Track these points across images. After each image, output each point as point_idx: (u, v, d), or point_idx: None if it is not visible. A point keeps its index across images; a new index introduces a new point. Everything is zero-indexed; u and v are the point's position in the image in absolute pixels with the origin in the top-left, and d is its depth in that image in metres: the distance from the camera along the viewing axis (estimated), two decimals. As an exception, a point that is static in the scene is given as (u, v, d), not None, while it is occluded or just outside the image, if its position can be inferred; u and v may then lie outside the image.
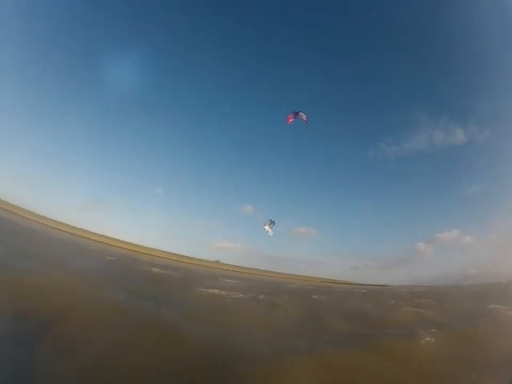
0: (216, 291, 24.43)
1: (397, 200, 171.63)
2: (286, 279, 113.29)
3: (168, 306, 17.35)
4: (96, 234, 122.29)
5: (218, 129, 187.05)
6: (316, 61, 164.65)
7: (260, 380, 8.84)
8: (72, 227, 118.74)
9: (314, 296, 39.14)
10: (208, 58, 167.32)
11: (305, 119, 19.56)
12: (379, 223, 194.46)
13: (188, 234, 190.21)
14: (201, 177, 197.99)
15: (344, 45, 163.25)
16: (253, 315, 19.23)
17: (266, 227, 18.82)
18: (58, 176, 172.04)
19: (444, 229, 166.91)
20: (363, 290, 71.92)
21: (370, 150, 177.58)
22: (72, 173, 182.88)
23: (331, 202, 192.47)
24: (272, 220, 19.10)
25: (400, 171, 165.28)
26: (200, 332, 13.09)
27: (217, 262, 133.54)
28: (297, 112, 19.46)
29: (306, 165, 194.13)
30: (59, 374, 7.00)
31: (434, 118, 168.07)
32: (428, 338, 13.06)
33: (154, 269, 38.52)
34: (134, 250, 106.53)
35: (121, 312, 13.08)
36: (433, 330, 14.82)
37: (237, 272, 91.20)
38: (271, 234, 18.89)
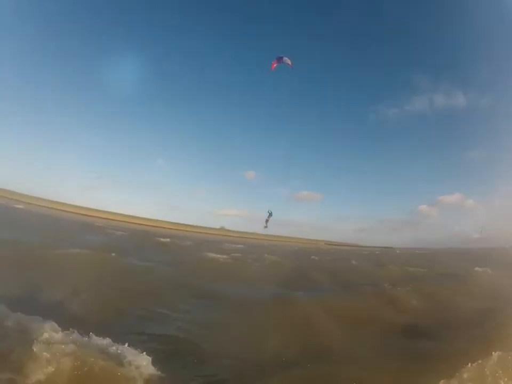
0: (221, 255, 26.36)
1: (399, 162, 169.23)
2: (290, 242, 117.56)
3: (178, 268, 19.27)
4: (101, 211, 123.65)
5: (215, 96, 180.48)
6: (313, 24, 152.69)
7: (263, 315, 10.62)
8: (77, 207, 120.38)
9: (313, 257, 41.67)
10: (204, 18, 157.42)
11: (290, 63, 19.00)
12: (382, 185, 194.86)
13: (192, 204, 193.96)
14: (201, 146, 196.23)
15: (342, 6, 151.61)
16: (256, 272, 21.49)
17: (264, 226, 20.56)
18: (57, 157, 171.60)
19: (446, 191, 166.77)
20: (365, 252, 74.72)
21: (370, 112, 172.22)
22: (71, 152, 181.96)
23: (335, 166, 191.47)
24: (270, 212, 20.44)
25: (401, 133, 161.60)
26: (211, 284, 15.23)
27: (223, 228, 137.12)
28: (281, 57, 18.86)
29: (307, 129, 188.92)
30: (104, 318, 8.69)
31: (434, 80, 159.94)
32: (407, 291, 15.04)
33: (161, 239, 40.76)
34: (140, 224, 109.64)
35: (139, 274, 15.13)
36: (418, 285, 16.93)
37: (242, 238, 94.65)
38: (265, 228, 20.72)
